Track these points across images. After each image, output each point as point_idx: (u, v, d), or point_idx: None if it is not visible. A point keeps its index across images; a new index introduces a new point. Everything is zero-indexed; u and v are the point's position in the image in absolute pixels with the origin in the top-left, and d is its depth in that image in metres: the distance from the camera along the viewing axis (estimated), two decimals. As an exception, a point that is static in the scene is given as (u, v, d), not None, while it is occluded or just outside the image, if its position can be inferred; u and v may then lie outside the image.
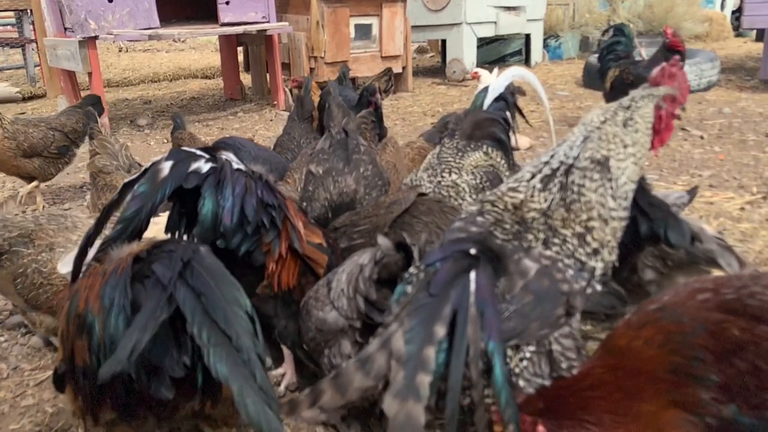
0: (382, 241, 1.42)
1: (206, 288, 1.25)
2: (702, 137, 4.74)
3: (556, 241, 1.47)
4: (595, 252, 1.47)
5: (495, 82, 2.63)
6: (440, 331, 1.18)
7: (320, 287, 1.64)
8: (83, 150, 5.15)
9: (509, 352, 1.36)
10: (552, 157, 1.55)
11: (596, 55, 7.69)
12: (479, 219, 1.54)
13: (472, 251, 1.33)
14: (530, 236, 1.48)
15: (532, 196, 1.51)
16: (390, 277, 1.38)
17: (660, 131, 1.61)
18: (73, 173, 4.63)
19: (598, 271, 1.47)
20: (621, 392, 1.19)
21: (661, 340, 1.19)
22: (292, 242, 1.68)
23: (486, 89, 2.60)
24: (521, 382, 1.34)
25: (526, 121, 3.01)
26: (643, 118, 1.57)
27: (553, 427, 1.19)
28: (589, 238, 1.47)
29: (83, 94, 6.50)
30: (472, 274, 1.28)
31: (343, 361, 1.50)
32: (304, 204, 2.32)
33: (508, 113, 2.57)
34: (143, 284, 1.26)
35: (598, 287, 1.46)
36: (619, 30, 4.93)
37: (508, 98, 2.62)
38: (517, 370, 1.36)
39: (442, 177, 2.27)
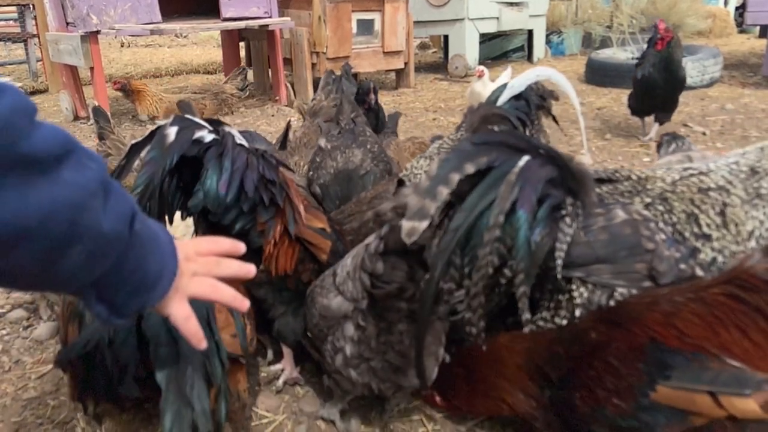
0: (404, 192, 1.43)
1: None
2: (704, 133, 4.73)
3: (660, 208, 1.50)
4: (705, 237, 1.46)
5: (515, 79, 2.40)
6: (469, 167, 1.36)
7: (326, 276, 1.65)
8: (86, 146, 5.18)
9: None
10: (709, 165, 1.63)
11: (599, 52, 7.72)
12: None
13: (542, 151, 1.40)
14: (638, 199, 1.53)
15: (664, 179, 1.57)
16: (397, 246, 1.36)
17: None
18: (75, 168, 4.63)
19: (702, 255, 1.44)
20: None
21: (526, 348, 1.47)
22: (288, 224, 1.63)
23: (504, 85, 2.42)
24: (578, 312, 1.47)
25: (560, 128, 2.64)
26: None
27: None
28: (702, 222, 1.47)
29: (85, 89, 6.51)
30: (526, 156, 1.38)
31: (346, 344, 1.52)
32: (311, 173, 2.39)
33: (526, 115, 2.36)
34: None
35: (699, 271, 1.41)
36: (654, 27, 4.83)
37: (531, 99, 2.38)
38: (578, 301, 1.45)
39: None
